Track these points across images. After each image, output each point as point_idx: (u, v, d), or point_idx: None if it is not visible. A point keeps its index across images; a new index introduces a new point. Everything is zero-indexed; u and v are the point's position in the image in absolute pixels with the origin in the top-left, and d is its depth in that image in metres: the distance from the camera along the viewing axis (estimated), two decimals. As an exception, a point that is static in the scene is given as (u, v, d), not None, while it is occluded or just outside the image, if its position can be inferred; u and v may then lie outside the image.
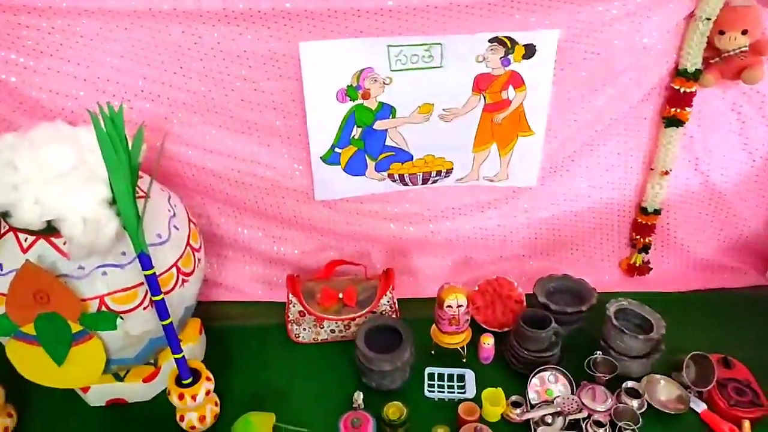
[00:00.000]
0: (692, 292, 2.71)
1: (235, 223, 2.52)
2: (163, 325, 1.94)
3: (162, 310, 1.91)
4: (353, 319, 2.42)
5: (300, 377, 2.34)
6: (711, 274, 2.74)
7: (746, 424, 2.02)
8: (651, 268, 2.71)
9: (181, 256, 2.02)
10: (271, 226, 2.55)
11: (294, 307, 2.43)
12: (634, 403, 2.13)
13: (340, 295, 2.42)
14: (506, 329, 2.48)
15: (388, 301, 2.46)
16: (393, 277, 2.49)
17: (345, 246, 2.63)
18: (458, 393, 2.25)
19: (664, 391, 2.23)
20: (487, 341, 2.36)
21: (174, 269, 1.99)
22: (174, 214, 2.06)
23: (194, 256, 2.11)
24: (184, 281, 2.03)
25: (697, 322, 2.54)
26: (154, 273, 1.86)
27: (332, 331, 2.46)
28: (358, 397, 2.19)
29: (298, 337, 2.48)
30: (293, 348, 2.48)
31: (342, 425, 2.04)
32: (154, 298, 1.90)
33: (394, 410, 2.12)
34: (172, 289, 1.99)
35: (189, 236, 2.10)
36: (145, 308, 1.92)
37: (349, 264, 2.56)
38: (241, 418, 1.98)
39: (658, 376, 2.25)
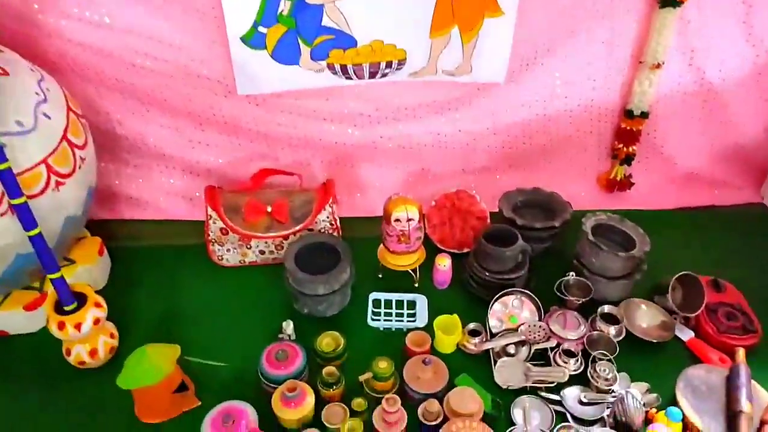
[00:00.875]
0: (678, 210, 2.38)
1: (141, 121, 2.07)
2: (29, 237, 1.53)
3: (25, 217, 1.50)
4: (285, 237, 2.04)
5: (222, 305, 1.98)
6: (700, 190, 2.41)
7: (740, 352, 1.73)
8: (633, 183, 2.37)
9: (52, 152, 1.59)
10: (185, 126, 2.11)
11: (215, 223, 2.03)
12: (611, 329, 1.82)
13: (269, 209, 2.02)
14: (465, 250, 2.13)
15: (327, 217, 2.08)
16: (333, 188, 2.10)
17: (278, 153, 2.22)
18: (408, 321, 1.92)
19: (646, 318, 1.92)
20: (443, 263, 2.00)
21: (42, 167, 1.57)
22: (44, 99, 1.62)
23: (74, 154, 1.68)
24: (59, 184, 1.61)
25: (682, 243, 2.23)
26: (9, 168, 1.44)
27: (262, 252, 2.08)
28: (287, 326, 1.84)
29: (222, 259, 2.10)
30: (216, 272, 2.10)
31: (265, 359, 1.69)
32: (13, 202, 1.48)
33: (329, 341, 1.77)
34: (42, 192, 1.57)
35: (66, 128, 1.66)
36: (2, 214, 1.51)
37: (280, 174, 2.15)
38: (136, 351, 1.60)
39: (638, 300, 1.94)
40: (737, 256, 2.19)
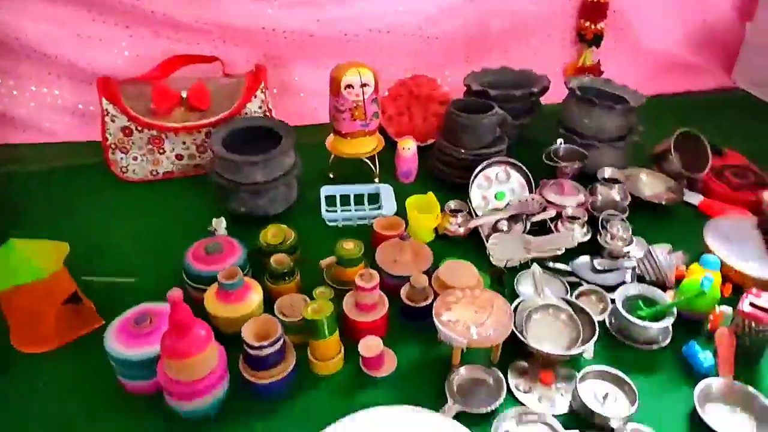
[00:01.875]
0: (652, 98, 2.15)
1: (11, 11, 1.62)
2: None
3: None
4: (208, 132, 1.63)
5: (130, 227, 1.52)
6: (671, 76, 2.20)
7: (765, 193, 1.48)
8: (602, 72, 2.13)
9: None
10: (72, 17, 1.67)
11: (113, 122, 1.58)
12: (614, 192, 1.53)
13: (184, 94, 1.61)
14: (430, 141, 1.80)
15: (260, 107, 1.68)
16: (265, 74, 1.71)
17: (190, 43, 1.80)
18: (370, 211, 1.55)
19: (649, 186, 1.64)
20: (407, 145, 1.65)
21: None
22: None
23: None
24: None
25: (657, 131, 2.00)
26: None
27: (179, 157, 1.66)
28: (219, 224, 1.43)
29: (126, 171, 1.66)
30: (120, 190, 1.65)
31: (191, 256, 1.27)
32: None
33: (276, 232, 1.37)
34: None
35: None
36: None
37: (198, 62, 1.74)
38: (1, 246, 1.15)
39: (637, 169, 1.67)
40: (717, 139, 1.98)
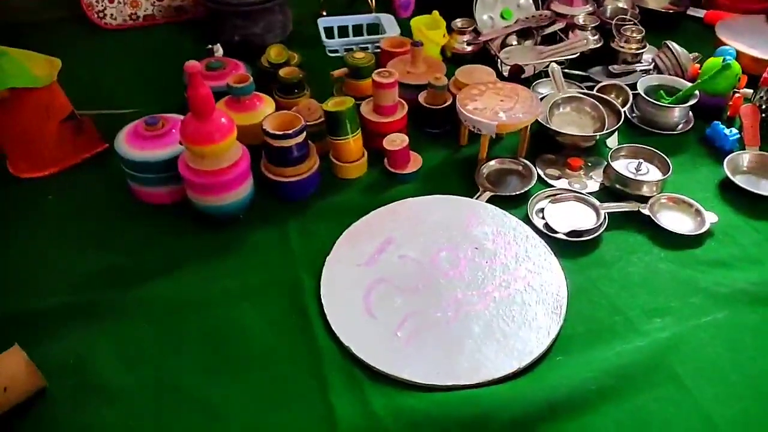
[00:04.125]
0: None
1: None
2: None
3: None
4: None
5: (112, 73, 1.41)
6: None
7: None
8: None
9: None
10: None
11: (85, -42, 1.46)
12: (622, 4, 1.49)
13: None
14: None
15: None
16: None
17: None
18: (371, 39, 1.47)
19: (652, 2, 1.60)
20: (404, -29, 1.57)
21: None
22: None
23: None
24: None
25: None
26: None
27: (160, -1, 1.55)
28: (217, 49, 1.33)
29: (104, 16, 1.53)
30: (99, 38, 1.53)
31: (189, 70, 1.19)
32: None
33: (279, 51, 1.29)
34: None
35: None
36: None
37: None
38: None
39: (639, -13, 1.63)
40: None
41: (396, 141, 1.09)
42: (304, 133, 1.02)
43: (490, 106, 1.08)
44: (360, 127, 1.09)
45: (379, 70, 1.12)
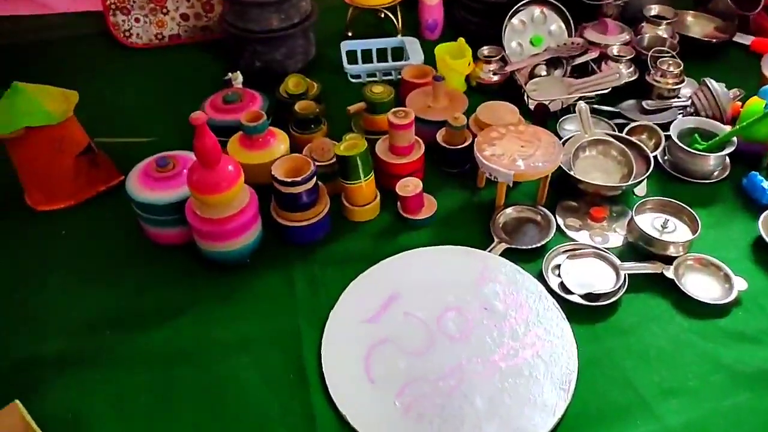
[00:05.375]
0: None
1: None
2: None
3: None
4: (215, -12, 1.49)
5: (138, 94, 1.41)
6: None
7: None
8: None
9: None
10: None
11: (111, -22, 1.46)
12: (662, 30, 1.40)
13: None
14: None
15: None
16: None
17: None
18: (396, 62, 1.43)
19: (695, 27, 1.51)
20: (431, -8, 1.52)
21: None
22: None
23: None
24: None
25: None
26: None
27: (185, 17, 1.53)
28: (236, 77, 1.32)
29: (130, 36, 1.53)
30: (125, 57, 1.53)
31: (209, 106, 1.18)
32: None
33: (297, 81, 1.27)
34: None
35: None
36: None
37: None
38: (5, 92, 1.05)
39: (683, 11, 1.53)
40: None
41: (409, 186, 1.05)
42: (314, 179, 1.00)
43: (509, 152, 1.03)
44: (373, 169, 1.07)
45: (396, 109, 1.09)
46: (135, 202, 1.00)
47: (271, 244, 1.03)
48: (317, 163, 1.07)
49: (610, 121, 1.24)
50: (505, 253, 1.00)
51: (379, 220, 1.09)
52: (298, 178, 0.96)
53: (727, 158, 1.14)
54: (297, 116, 1.16)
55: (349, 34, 1.57)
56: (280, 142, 1.11)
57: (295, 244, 1.04)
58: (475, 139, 1.07)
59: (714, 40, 1.43)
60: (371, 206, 1.08)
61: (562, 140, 1.14)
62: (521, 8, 1.39)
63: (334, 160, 1.06)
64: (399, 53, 1.47)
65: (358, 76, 1.42)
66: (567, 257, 0.99)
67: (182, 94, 1.39)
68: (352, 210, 1.08)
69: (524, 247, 1.01)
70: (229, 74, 1.30)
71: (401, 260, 0.99)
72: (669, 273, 0.94)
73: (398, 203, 1.08)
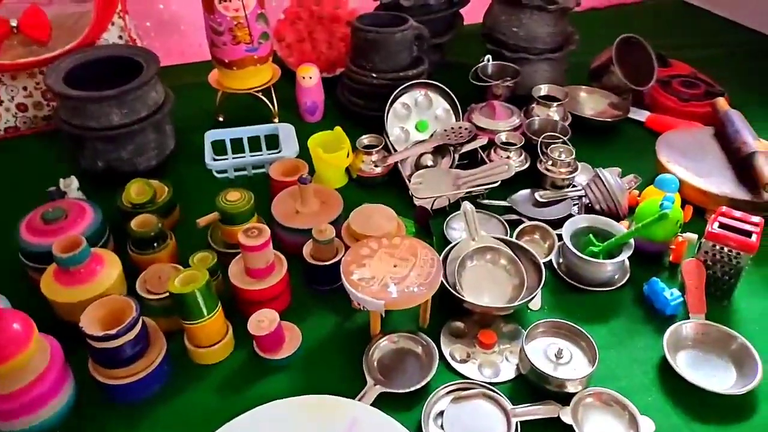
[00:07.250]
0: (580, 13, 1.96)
1: None
2: None
3: None
4: (49, 62, 1.28)
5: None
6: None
7: (721, 100, 1.30)
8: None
9: None
10: None
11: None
12: (553, 111, 1.32)
13: (14, 23, 1.26)
14: (339, 71, 1.52)
15: (120, 36, 1.35)
16: (124, -4, 1.38)
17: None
18: (268, 155, 1.28)
19: (590, 105, 1.44)
20: (307, 73, 1.36)
21: None
22: None
23: None
24: None
25: (592, 47, 1.76)
26: None
27: (22, 108, 1.32)
28: (69, 183, 1.11)
29: (-43, 129, 1.31)
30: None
31: (24, 228, 0.97)
32: None
33: (140, 188, 1.08)
34: None
35: None
36: None
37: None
38: None
39: (575, 87, 1.46)
40: (668, 49, 1.78)
41: (264, 322, 0.87)
42: (139, 325, 0.80)
43: (380, 274, 0.88)
44: (219, 301, 0.89)
45: (248, 226, 0.92)
46: None
47: (92, 402, 0.83)
48: (151, 297, 0.89)
49: (501, 218, 1.12)
50: (380, 398, 0.84)
51: (231, 360, 0.91)
52: (113, 331, 0.77)
53: (627, 261, 1.03)
54: (133, 234, 0.97)
55: (220, 119, 1.41)
56: (109, 268, 0.91)
57: (120, 402, 0.84)
58: (342, 259, 0.91)
59: (609, 120, 1.35)
60: (220, 346, 0.89)
61: (448, 247, 1.00)
62: (403, 92, 1.27)
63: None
64: (275, 139, 1.31)
65: (224, 171, 1.25)
66: (451, 400, 0.83)
67: (7, 200, 1.17)
68: (196, 352, 0.89)
69: (401, 391, 0.85)
70: (61, 182, 1.10)
71: (250, 421, 0.81)
72: (566, 417, 0.80)
73: (254, 342, 0.91)
